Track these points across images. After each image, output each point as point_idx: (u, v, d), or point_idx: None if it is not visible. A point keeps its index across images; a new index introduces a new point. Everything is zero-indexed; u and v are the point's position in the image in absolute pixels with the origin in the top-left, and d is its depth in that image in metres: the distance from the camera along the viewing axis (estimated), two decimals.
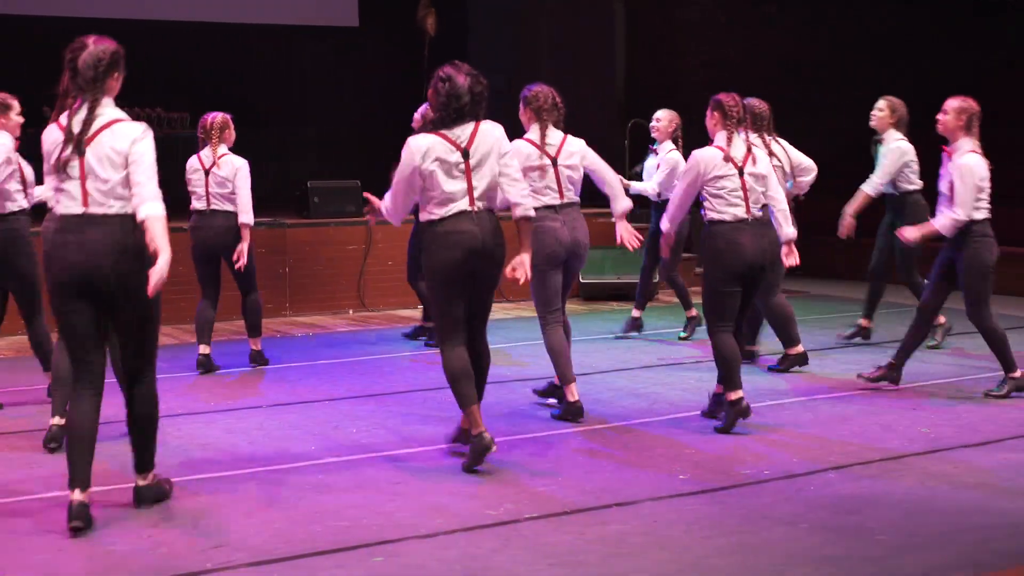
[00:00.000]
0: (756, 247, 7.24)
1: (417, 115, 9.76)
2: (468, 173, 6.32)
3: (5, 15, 14.92)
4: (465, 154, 6.31)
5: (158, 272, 5.21)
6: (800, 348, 9.08)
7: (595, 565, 4.97)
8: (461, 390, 6.37)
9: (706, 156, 7.32)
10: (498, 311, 12.28)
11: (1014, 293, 13.26)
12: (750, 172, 7.31)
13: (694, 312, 10.40)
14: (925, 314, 8.30)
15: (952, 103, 8.07)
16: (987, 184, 8.09)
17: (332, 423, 7.46)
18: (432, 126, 6.38)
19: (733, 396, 7.17)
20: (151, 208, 5.31)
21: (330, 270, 12.27)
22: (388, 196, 6.56)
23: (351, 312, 12.29)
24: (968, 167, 7.93)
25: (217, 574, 4.91)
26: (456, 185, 6.30)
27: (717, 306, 7.27)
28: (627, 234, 7.84)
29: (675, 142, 10.17)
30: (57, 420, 6.80)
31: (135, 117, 5.75)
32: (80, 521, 5.36)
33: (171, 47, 15.47)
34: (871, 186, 9.68)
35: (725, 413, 7.22)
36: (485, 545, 5.21)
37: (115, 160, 5.41)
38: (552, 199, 7.46)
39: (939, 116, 8.11)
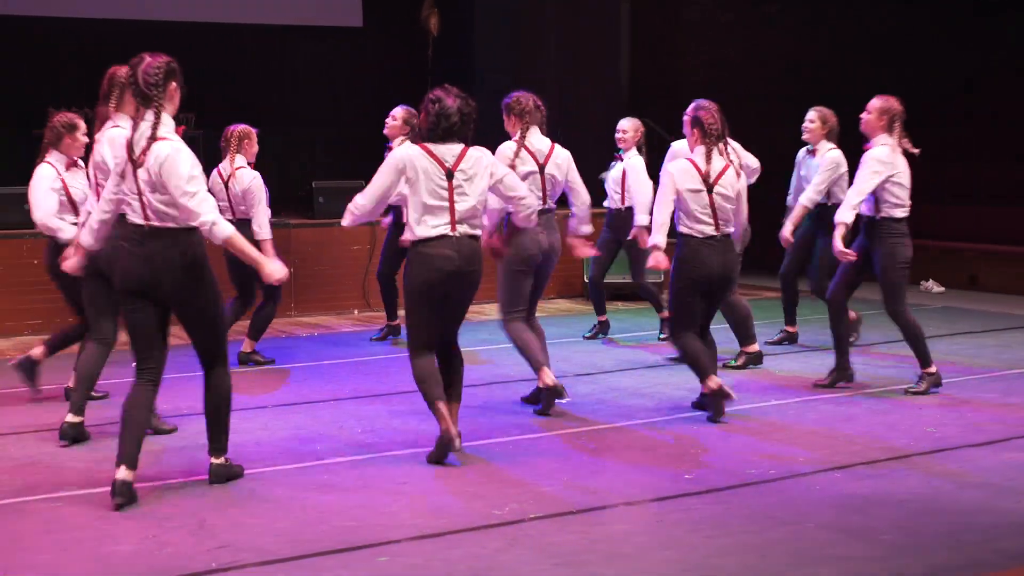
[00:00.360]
0: (719, 262, 7.44)
1: (390, 120, 9.82)
2: (451, 194, 6.42)
3: (4, 15, 14.90)
4: (449, 175, 6.43)
5: (271, 270, 5.92)
6: (756, 347, 9.18)
7: (600, 565, 4.97)
8: (428, 390, 6.55)
9: (680, 169, 7.43)
10: None
11: (1017, 292, 13.27)
12: (719, 192, 7.41)
13: (667, 314, 10.35)
14: (837, 306, 8.36)
15: (875, 103, 8.18)
16: (906, 182, 8.13)
17: (337, 423, 7.46)
18: (419, 139, 6.53)
19: (712, 385, 7.38)
20: (221, 231, 5.73)
21: (335, 270, 12.26)
22: (361, 198, 6.59)
23: (356, 312, 12.28)
24: (872, 157, 8.02)
25: (222, 574, 4.91)
26: (436, 202, 6.43)
27: (682, 313, 7.53)
28: (584, 248, 8.11)
29: (639, 150, 10.21)
30: (71, 418, 6.97)
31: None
32: (122, 498, 5.72)
33: (177, 48, 15.45)
34: (808, 199, 9.36)
35: (709, 404, 7.46)
36: (490, 545, 5.21)
37: (156, 182, 5.73)
38: (537, 204, 7.50)
39: (862, 115, 8.22)
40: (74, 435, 6.97)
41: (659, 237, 7.48)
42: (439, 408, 6.49)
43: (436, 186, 6.41)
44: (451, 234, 6.45)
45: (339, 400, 8.15)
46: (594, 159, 11.20)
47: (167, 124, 5.83)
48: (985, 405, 7.83)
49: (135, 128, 5.82)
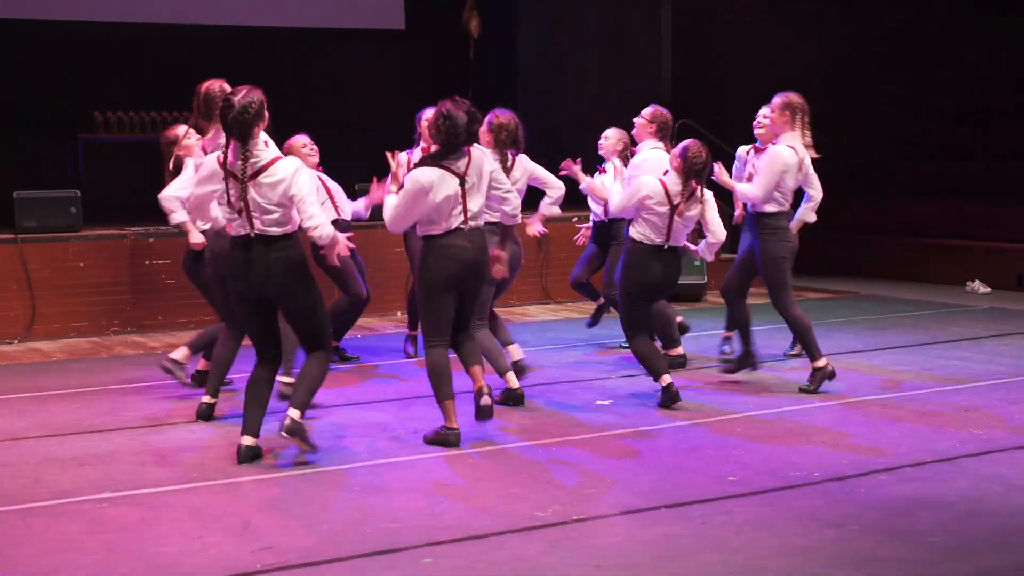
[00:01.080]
0: (665, 271, 7.89)
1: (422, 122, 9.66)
2: (464, 196, 6.90)
3: (50, 21, 14.99)
4: (462, 181, 6.91)
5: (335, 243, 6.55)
6: (680, 350, 9.21)
7: (644, 567, 4.96)
8: (439, 386, 6.97)
9: (649, 186, 7.80)
10: (545, 313, 12.30)
11: None
12: (680, 214, 7.79)
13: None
14: (729, 296, 8.64)
15: (776, 101, 8.33)
16: (789, 180, 8.29)
17: (381, 424, 7.48)
18: (432, 159, 6.91)
19: (664, 383, 7.86)
20: (321, 230, 6.43)
21: (378, 272, 12.26)
22: (391, 208, 6.99)
23: (399, 314, 12.31)
24: (775, 154, 8.25)
25: (266, 575, 4.94)
26: (456, 210, 6.90)
27: (632, 316, 7.97)
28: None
29: (624, 160, 10.13)
30: (207, 399, 7.66)
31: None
32: (246, 462, 6.54)
33: (218, 53, 15.57)
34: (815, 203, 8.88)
35: (664, 399, 7.87)
36: (534, 547, 5.21)
37: (274, 198, 6.34)
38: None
39: (766, 116, 8.46)
40: (208, 414, 7.61)
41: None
42: (447, 407, 6.94)
43: (453, 194, 6.86)
44: (464, 227, 6.91)
45: (382, 401, 8.17)
46: None
47: (265, 151, 6.42)
48: None
49: (229, 155, 6.37)
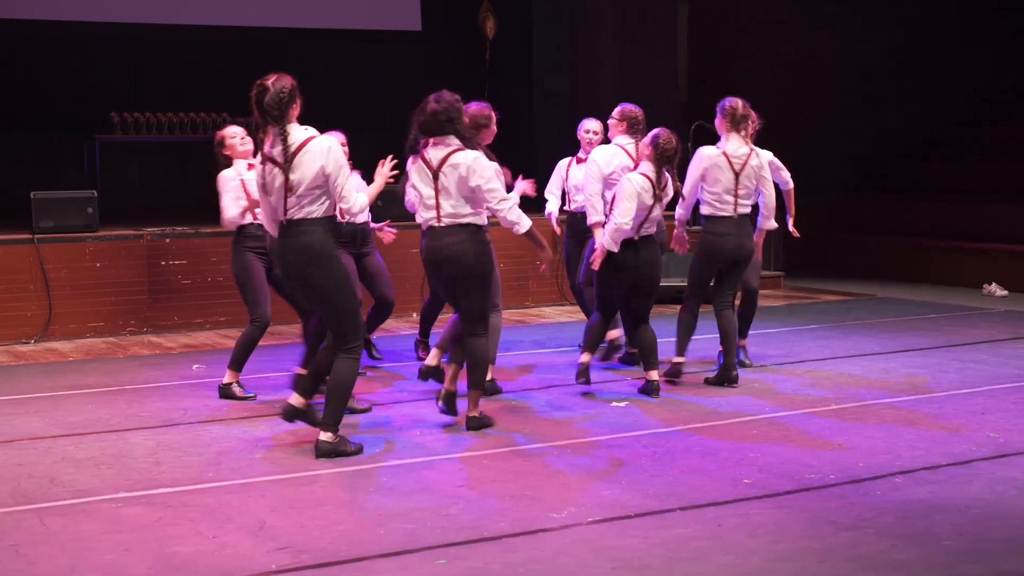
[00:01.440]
0: (646, 263, 8.14)
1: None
2: (436, 192, 7.12)
3: (68, 21, 15.03)
4: (435, 175, 7.11)
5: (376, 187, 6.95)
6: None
7: (659, 569, 4.96)
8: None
9: (638, 184, 8.00)
10: (560, 314, 12.30)
11: None
12: (659, 200, 8.06)
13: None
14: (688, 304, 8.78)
15: (719, 105, 8.56)
16: (712, 181, 8.44)
17: (396, 426, 7.49)
18: (411, 150, 7.20)
19: (652, 375, 8.18)
20: (355, 209, 6.55)
21: (393, 273, 12.20)
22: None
23: (414, 315, 12.30)
24: (695, 154, 8.53)
25: (282, 575, 4.95)
26: (427, 200, 7.16)
27: (603, 303, 8.30)
28: None
29: None
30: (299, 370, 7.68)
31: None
32: (285, 416, 6.86)
33: (234, 53, 15.60)
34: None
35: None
36: (548, 548, 5.21)
37: (314, 175, 6.43)
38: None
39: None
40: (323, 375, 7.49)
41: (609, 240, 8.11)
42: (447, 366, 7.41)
43: (427, 186, 7.13)
44: (437, 225, 7.14)
45: (398, 403, 8.18)
46: None
47: (299, 132, 6.52)
48: None
49: (271, 146, 6.47)
